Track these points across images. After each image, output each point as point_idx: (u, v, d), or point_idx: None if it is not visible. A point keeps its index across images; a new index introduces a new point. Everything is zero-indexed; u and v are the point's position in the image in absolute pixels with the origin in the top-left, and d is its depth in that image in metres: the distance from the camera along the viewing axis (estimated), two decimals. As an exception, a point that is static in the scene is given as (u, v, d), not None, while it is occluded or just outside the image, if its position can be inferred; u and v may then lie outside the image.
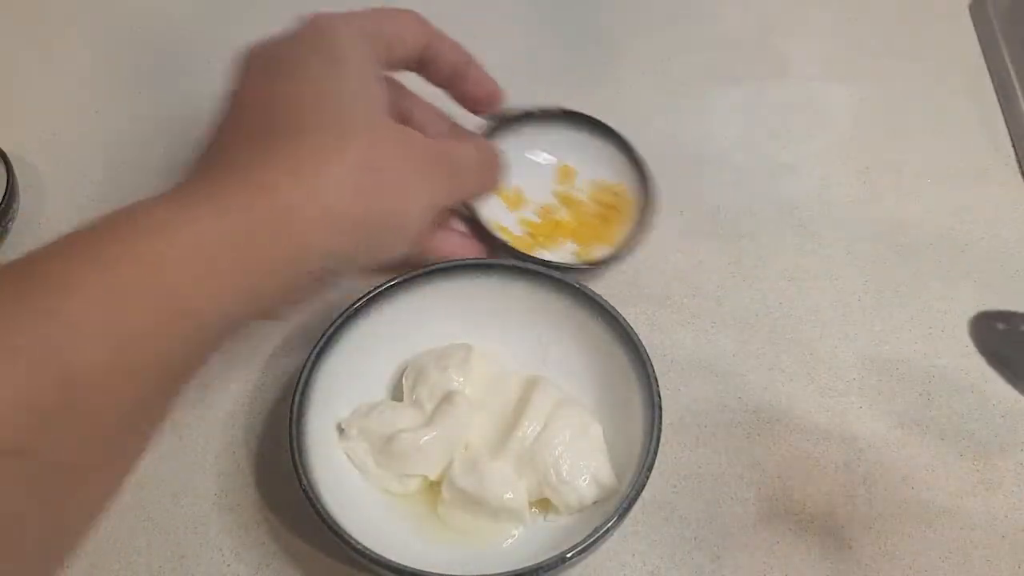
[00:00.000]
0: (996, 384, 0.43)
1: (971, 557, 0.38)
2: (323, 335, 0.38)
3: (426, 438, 0.37)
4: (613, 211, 0.47)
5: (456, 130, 0.44)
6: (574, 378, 0.40)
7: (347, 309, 0.39)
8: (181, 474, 0.40)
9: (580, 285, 0.40)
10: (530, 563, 0.33)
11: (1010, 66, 0.55)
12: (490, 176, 0.42)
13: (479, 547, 0.36)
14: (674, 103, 0.55)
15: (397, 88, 0.41)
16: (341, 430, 0.38)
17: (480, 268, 0.41)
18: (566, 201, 0.48)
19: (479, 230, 0.44)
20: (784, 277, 0.47)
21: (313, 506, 0.34)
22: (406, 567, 0.33)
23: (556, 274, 0.40)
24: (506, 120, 0.46)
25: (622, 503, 0.34)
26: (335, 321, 0.38)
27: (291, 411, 0.36)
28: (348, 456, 0.38)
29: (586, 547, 0.33)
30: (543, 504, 0.38)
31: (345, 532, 0.33)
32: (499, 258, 0.42)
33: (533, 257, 0.43)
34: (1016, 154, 0.53)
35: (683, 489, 0.40)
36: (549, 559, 0.33)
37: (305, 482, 0.34)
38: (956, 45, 0.59)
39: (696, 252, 0.48)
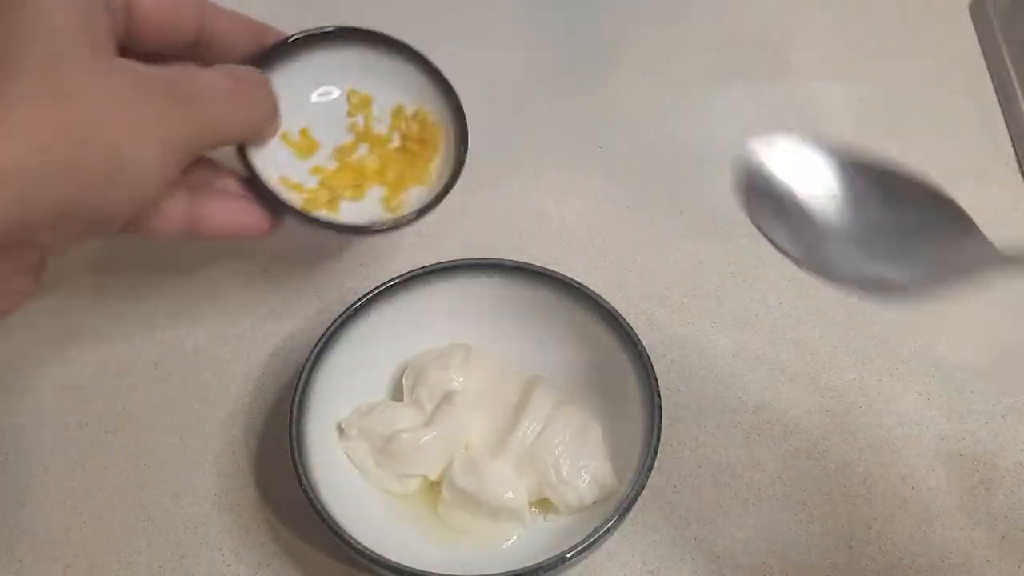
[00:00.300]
0: (995, 385, 0.43)
1: (971, 557, 0.38)
2: (323, 335, 0.38)
3: (426, 438, 0.38)
4: (420, 144, 0.41)
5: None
6: (574, 378, 0.40)
7: (347, 309, 0.39)
8: (181, 474, 0.40)
9: (580, 285, 0.40)
10: (530, 563, 0.33)
11: (1010, 66, 0.55)
12: (248, 106, 0.34)
13: (479, 547, 0.37)
14: (674, 103, 0.55)
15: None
16: (341, 430, 0.38)
17: (480, 268, 0.41)
18: (365, 137, 0.41)
19: (260, 190, 0.36)
20: (784, 277, 0.47)
21: (313, 506, 0.34)
22: (406, 567, 0.33)
23: (556, 274, 0.40)
24: (273, 50, 0.38)
25: (622, 503, 0.34)
26: (335, 321, 0.38)
27: (291, 411, 0.36)
28: (348, 456, 0.38)
29: (586, 547, 0.33)
30: (543, 504, 0.38)
31: (345, 532, 0.33)
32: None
33: (325, 221, 0.37)
34: (1016, 154, 0.53)
35: (683, 489, 0.40)
36: (549, 559, 0.33)
37: (305, 482, 0.34)
38: (956, 45, 0.59)
39: (696, 252, 0.48)
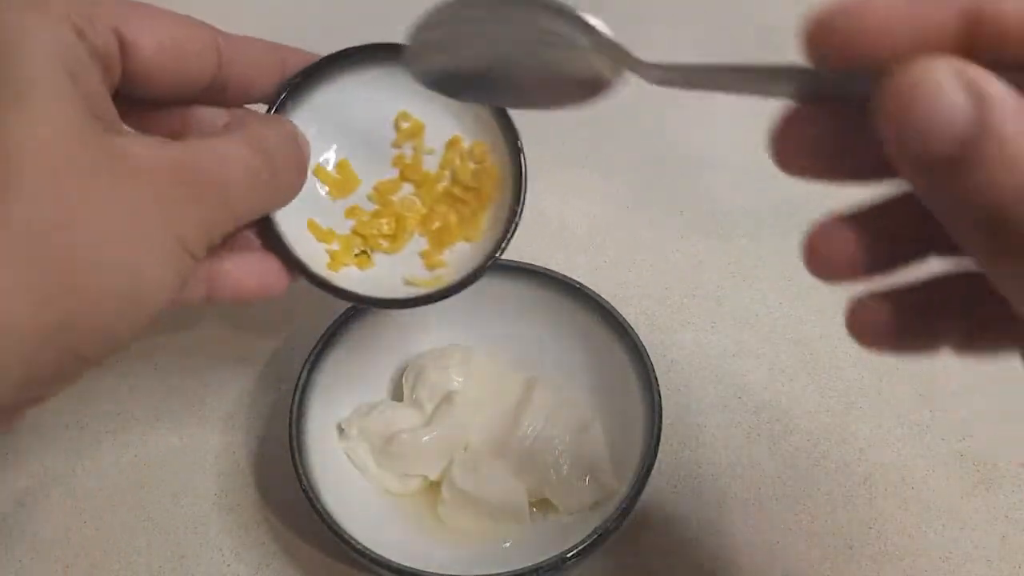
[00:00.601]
0: (996, 385, 0.43)
1: (972, 557, 0.38)
2: (323, 335, 0.38)
3: (426, 438, 0.37)
4: (473, 192, 0.35)
5: (238, 115, 0.31)
6: (574, 378, 0.40)
7: (347, 309, 0.39)
8: (181, 474, 0.40)
9: (580, 285, 0.39)
10: (530, 564, 0.33)
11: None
12: (277, 187, 0.29)
13: (479, 547, 0.36)
14: (674, 103, 0.55)
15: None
16: (341, 430, 0.38)
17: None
18: (412, 173, 0.35)
19: (278, 248, 0.31)
20: (784, 277, 0.47)
21: (313, 506, 0.34)
22: (406, 567, 0.33)
23: (556, 274, 0.40)
24: (306, 73, 0.32)
25: (622, 503, 0.34)
26: (335, 321, 0.38)
27: (291, 411, 0.36)
28: (348, 456, 0.38)
29: (586, 548, 0.33)
30: (543, 504, 0.38)
31: (345, 532, 0.33)
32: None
33: (347, 291, 0.32)
34: (1016, 154, 0.52)
35: (683, 489, 0.40)
36: (549, 560, 0.33)
37: (305, 482, 0.34)
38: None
39: (696, 252, 0.48)
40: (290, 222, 0.32)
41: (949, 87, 0.17)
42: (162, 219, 0.24)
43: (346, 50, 0.33)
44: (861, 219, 0.22)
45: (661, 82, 0.23)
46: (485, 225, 0.35)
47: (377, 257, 0.35)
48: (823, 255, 0.23)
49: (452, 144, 0.35)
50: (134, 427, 0.41)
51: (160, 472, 0.40)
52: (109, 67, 0.26)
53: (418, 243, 0.35)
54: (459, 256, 0.34)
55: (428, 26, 0.27)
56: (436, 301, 0.33)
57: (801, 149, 0.22)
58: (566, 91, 0.26)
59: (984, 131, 0.17)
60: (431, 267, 0.35)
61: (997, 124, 0.17)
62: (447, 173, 0.35)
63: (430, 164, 0.35)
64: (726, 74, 0.22)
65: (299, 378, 0.37)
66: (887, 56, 0.18)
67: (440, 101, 0.33)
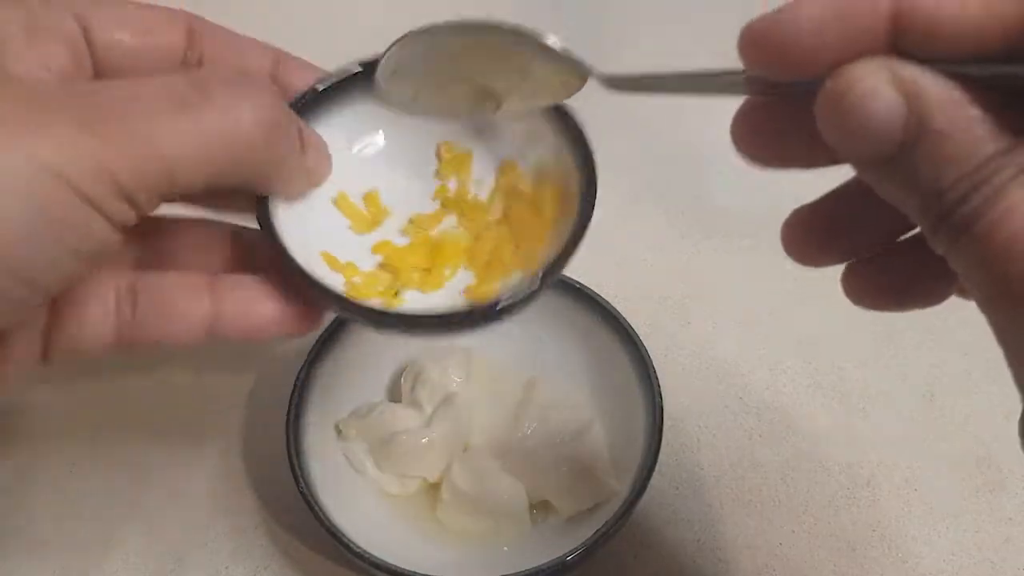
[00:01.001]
0: (999, 386, 0.43)
1: (975, 559, 0.38)
2: (321, 335, 0.38)
3: (425, 439, 0.37)
4: (529, 215, 0.29)
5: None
6: (574, 378, 0.40)
7: (346, 309, 0.38)
8: (178, 476, 0.40)
9: (580, 285, 0.39)
10: (530, 566, 0.32)
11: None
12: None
13: (479, 549, 0.36)
14: (675, 103, 0.54)
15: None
16: (339, 431, 0.38)
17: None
18: (455, 205, 0.30)
19: (291, 269, 0.26)
20: (785, 277, 0.47)
21: (311, 508, 0.33)
22: (405, 570, 0.32)
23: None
24: (331, 88, 0.28)
25: (623, 505, 0.33)
26: (334, 321, 0.38)
27: (289, 412, 0.36)
28: (347, 457, 0.38)
29: (587, 550, 0.33)
30: (543, 506, 0.37)
31: (343, 534, 0.33)
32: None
33: (376, 311, 0.26)
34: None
35: (684, 491, 0.40)
36: (549, 562, 0.32)
37: (303, 484, 0.34)
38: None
39: (697, 252, 0.48)
40: (300, 254, 0.26)
41: (883, 90, 0.17)
42: (22, 132, 0.19)
43: (375, 63, 0.28)
44: (827, 205, 0.24)
45: (617, 88, 0.25)
46: (541, 253, 0.28)
47: (409, 296, 0.28)
48: (798, 243, 0.24)
49: (506, 170, 0.29)
50: (130, 428, 0.41)
51: (157, 473, 0.40)
52: (76, 56, 0.25)
53: (464, 278, 0.29)
54: (514, 289, 0.27)
55: (398, 51, 0.27)
56: (477, 325, 0.26)
57: (760, 139, 0.23)
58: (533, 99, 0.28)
59: (923, 128, 0.17)
60: (471, 303, 0.28)
61: (934, 120, 0.17)
62: (498, 202, 0.30)
63: (479, 192, 0.30)
64: (674, 80, 0.23)
65: (297, 378, 0.37)
66: (823, 62, 0.18)
67: (496, 123, 0.29)
